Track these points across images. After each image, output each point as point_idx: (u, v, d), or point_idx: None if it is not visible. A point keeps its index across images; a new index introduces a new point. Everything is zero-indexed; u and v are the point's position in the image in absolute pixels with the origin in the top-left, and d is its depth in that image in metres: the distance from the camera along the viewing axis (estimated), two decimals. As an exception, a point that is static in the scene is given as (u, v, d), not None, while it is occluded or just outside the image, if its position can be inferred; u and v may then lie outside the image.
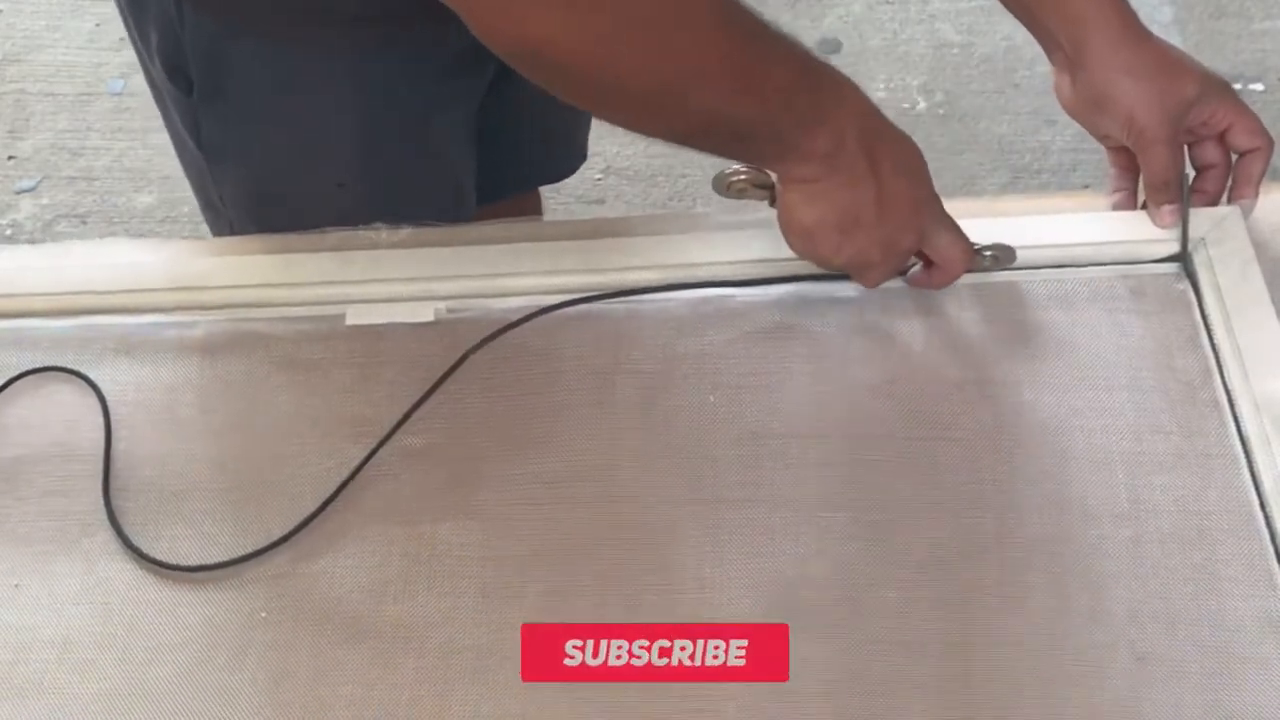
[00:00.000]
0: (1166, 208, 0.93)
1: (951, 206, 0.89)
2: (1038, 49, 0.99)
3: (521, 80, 0.78)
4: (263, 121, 1.02)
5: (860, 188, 0.84)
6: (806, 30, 2.62)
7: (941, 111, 2.43)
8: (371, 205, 0.99)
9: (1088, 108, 0.96)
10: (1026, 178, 2.34)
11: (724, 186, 0.88)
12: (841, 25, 2.62)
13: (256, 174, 1.05)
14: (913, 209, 0.86)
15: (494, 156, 1.15)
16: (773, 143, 0.83)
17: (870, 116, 0.84)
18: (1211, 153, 0.96)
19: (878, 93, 2.44)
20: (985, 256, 0.91)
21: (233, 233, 1.08)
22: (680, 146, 0.83)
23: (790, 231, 0.87)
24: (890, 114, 0.86)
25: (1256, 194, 0.96)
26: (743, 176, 0.87)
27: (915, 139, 0.87)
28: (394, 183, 1.04)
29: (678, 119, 0.81)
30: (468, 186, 1.11)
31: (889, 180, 0.84)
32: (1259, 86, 2.52)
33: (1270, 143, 0.96)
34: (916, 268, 0.91)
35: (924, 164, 0.87)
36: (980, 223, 0.92)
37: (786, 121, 0.81)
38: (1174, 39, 2.57)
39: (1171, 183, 0.93)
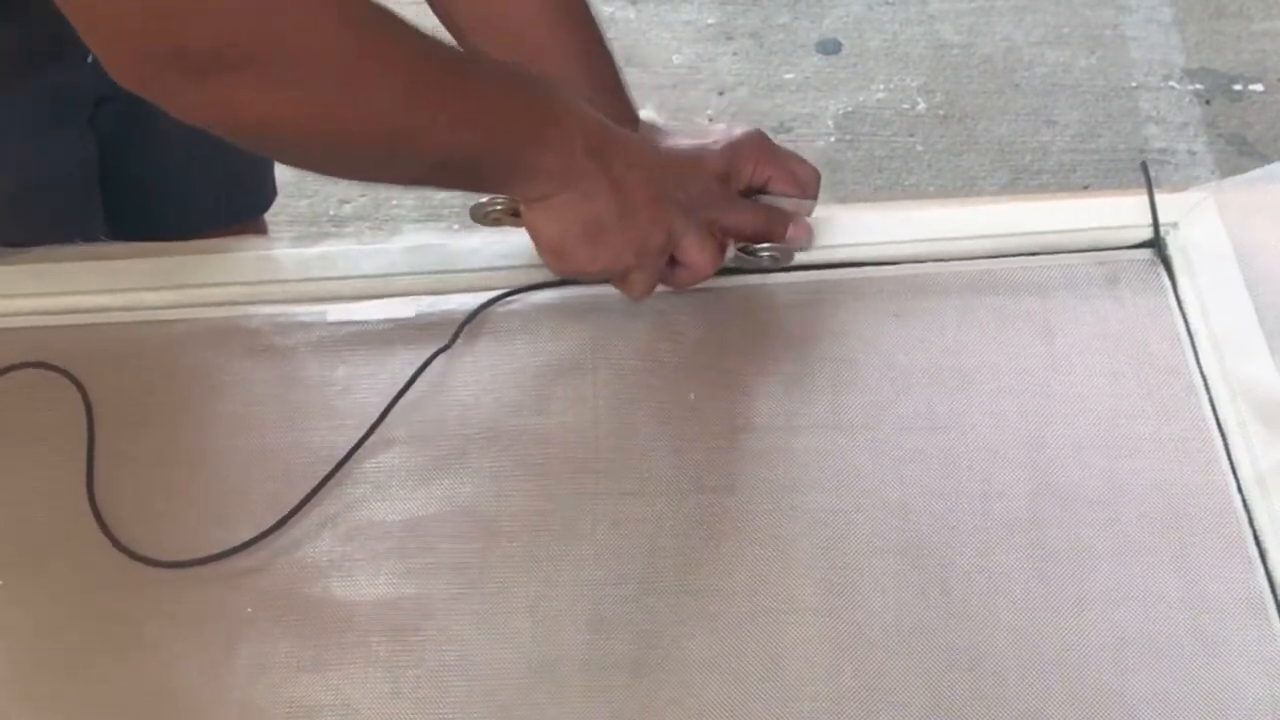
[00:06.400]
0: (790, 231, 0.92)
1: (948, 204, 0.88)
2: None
3: (169, 132, 0.77)
4: None
5: (598, 197, 0.83)
6: (806, 30, 2.63)
7: (941, 112, 2.43)
8: None
9: None
10: (1027, 178, 2.34)
11: (481, 216, 0.89)
12: (841, 25, 2.63)
13: None
14: (654, 207, 0.85)
15: (152, 200, 1.16)
16: (501, 168, 0.82)
17: (596, 125, 0.84)
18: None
19: (878, 93, 2.46)
20: (763, 256, 0.92)
21: None
22: (417, 188, 0.82)
23: (542, 250, 0.87)
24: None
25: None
26: (498, 206, 0.88)
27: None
28: None
29: (407, 166, 0.81)
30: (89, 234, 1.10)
31: (625, 183, 0.83)
32: (1259, 87, 2.52)
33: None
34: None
35: (660, 164, 0.87)
36: (954, 210, 0.93)
37: (509, 146, 0.81)
38: (1174, 39, 2.58)
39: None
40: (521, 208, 0.86)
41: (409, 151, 0.78)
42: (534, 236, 0.86)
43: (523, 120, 0.80)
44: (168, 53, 0.68)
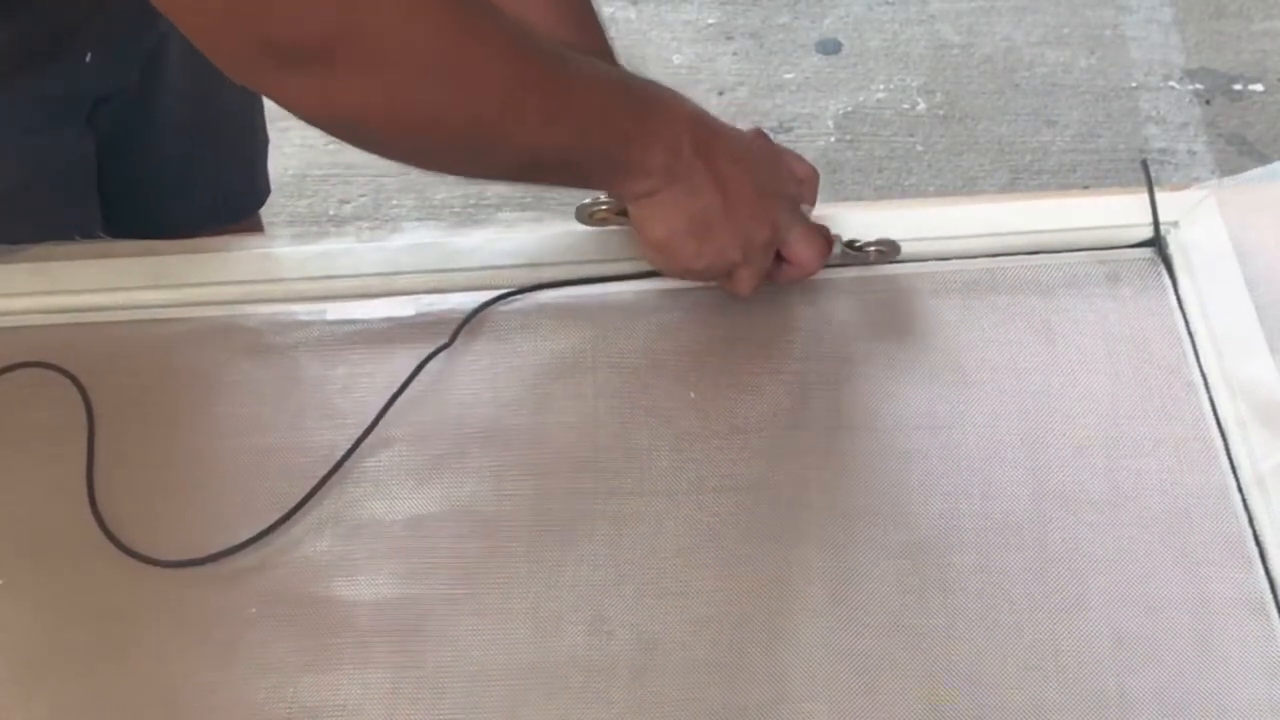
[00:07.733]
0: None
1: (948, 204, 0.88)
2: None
3: (165, 131, 0.76)
4: None
5: (704, 192, 0.83)
6: (806, 30, 2.63)
7: (941, 112, 2.43)
8: None
9: None
10: (1027, 178, 2.34)
11: (587, 217, 0.89)
12: (841, 25, 2.63)
13: None
14: (760, 202, 0.85)
15: (146, 202, 1.16)
16: (604, 166, 0.82)
17: (701, 120, 0.84)
18: None
19: (878, 93, 2.45)
20: (869, 251, 0.92)
21: None
22: (516, 184, 0.82)
23: (647, 248, 0.87)
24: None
25: None
26: (603, 207, 0.88)
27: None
28: None
29: (501, 160, 0.81)
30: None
31: (731, 179, 0.83)
32: (1259, 87, 2.52)
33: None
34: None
35: (766, 158, 0.87)
36: (957, 209, 0.93)
37: (612, 142, 0.81)
38: (1174, 39, 2.58)
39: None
40: (629, 207, 0.86)
41: (506, 146, 0.78)
42: (640, 234, 0.86)
43: (627, 116, 0.80)
44: (259, 47, 0.68)
